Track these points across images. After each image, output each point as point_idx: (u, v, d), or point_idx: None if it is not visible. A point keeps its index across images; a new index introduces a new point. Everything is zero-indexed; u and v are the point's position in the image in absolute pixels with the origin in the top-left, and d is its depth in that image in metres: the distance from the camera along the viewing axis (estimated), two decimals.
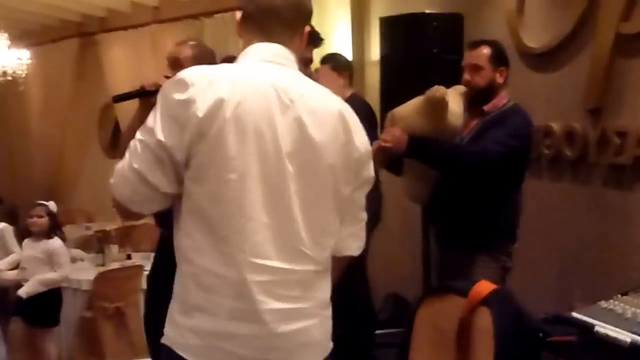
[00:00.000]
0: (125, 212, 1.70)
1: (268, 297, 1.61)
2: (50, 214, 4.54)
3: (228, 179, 1.57)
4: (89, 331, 4.77)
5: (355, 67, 4.65)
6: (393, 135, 2.96)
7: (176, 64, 3.06)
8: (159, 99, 1.63)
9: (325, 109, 1.69)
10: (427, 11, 4.09)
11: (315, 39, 3.40)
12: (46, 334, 4.48)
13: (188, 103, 1.56)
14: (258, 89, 1.62)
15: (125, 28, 7.42)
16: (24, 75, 6.98)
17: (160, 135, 1.57)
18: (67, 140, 8.62)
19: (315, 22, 2.32)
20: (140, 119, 3.12)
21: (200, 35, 6.21)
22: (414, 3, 4.50)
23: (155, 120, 1.60)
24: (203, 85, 1.58)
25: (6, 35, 6.57)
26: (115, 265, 4.96)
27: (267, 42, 1.72)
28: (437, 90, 2.92)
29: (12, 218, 8.80)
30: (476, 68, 3.00)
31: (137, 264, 4.88)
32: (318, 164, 1.66)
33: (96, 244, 5.34)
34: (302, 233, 1.65)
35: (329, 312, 1.77)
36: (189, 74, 1.62)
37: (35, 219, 4.47)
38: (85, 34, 8.19)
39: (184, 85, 1.59)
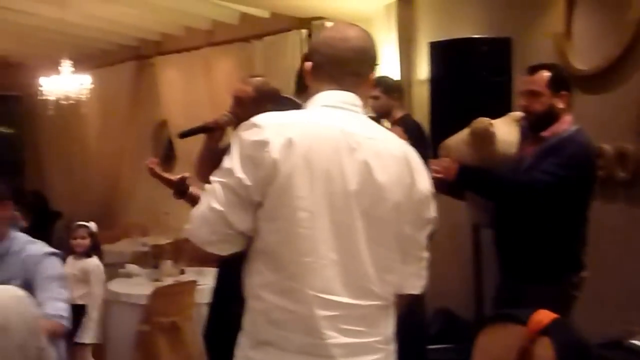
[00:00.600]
0: (203, 255, 1.81)
1: (335, 332, 1.66)
2: (91, 234, 4.74)
3: (299, 217, 1.64)
4: (146, 345, 4.85)
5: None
6: (443, 165, 2.97)
7: (239, 102, 3.24)
8: (234, 142, 1.71)
9: (390, 152, 1.75)
10: (475, 36, 4.10)
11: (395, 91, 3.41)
12: (80, 350, 4.56)
13: (262, 144, 1.64)
14: (326, 132, 1.70)
15: (179, 51, 7.59)
16: (85, 99, 7.19)
17: (239, 174, 1.64)
18: (123, 159, 8.83)
19: None
20: (207, 150, 3.35)
21: (251, 57, 6.34)
22: (461, 27, 4.53)
23: (232, 161, 1.67)
24: (275, 128, 1.67)
25: (70, 62, 6.77)
26: (169, 280, 5.04)
27: (336, 90, 1.78)
28: (481, 122, 2.93)
29: (70, 232, 9.06)
30: (534, 94, 2.91)
31: (190, 279, 4.96)
32: (383, 205, 1.71)
33: (151, 259, 5.44)
34: (368, 270, 1.70)
35: (393, 347, 1.81)
36: (262, 118, 1.70)
37: (78, 241, 4.67)
38: (142, 57, 8.42)
39: (258, 128, 1.67)
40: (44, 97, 7.17)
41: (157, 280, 5.14)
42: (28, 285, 2.71)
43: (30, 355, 2.08)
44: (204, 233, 1.70)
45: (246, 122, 1.73)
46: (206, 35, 7.20)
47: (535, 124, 2.95)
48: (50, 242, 4.54)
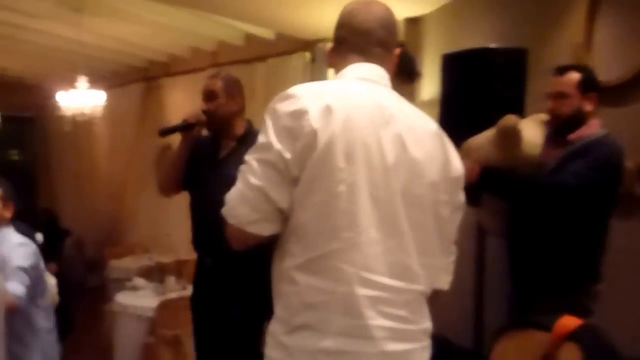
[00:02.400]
0: (242, 237, 1.61)
1: (376, 313, 1.54)
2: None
3: (338, 190, 1.52)
4: (150, 356, 4.85)
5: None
6: (464, 166, 2.85)
7: (212, 96, 3.16)
8: (267, 117, 1.58)
9: (424, 127, 1.66)
10: (491, 46, 3.96)
11: (411, 73, 3.14)
12: None
13: (300, 113, 1.53)
14: (362, 102, 1.58)
15: (185, 72, 7.64)
16: (98, 115, 7.24)
17: (277, 146, 1.52)
18: (129, 179, 8.86)
19: None
20: (181, 152, 3.20)
21: (253, 78, 6.36)
22: (472, 40, 4.33)
23: (267, 135, 1.55)
24: (312, 97, 1.55)
25: (86, 78, 6.84)
26: (173, 295, 5.04)
27: (364, 62, 1.69)
28: (509, 119, 2.77)
29: (79, 249, 9.08)
30: (562, 96, 2.77)
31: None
32: (419, 182, 1.60)
33: (157, 274, 5.44)
34: (410, 251, 1.59)
35: (429, 342, 1.69)
36: (297, 88, 1.59)
37: None
38: (150, 78, 8.49)
39: (293, 97, 1.56)
40: (61, 113, 7.21)
41: (161, 294, 5.16)
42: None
43: None
44: (244, 212, 1.56)
45: (280, 94, 1.60)
46: (211, 56, 7.26)
47: (561, 127, 2.80)
48: (60, 259, 4.54)
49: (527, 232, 2.85)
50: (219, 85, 3.16)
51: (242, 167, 1.59)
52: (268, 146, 1.54)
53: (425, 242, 1.62)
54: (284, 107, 1.55)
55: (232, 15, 5.72)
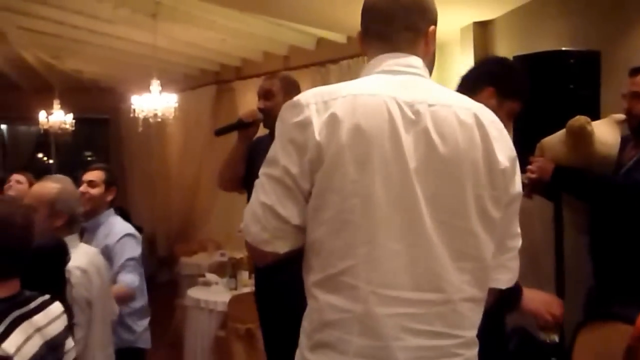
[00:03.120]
0: (259, 255, 1.53)
1: (402, 332, 1.41)
2: None
3: (349, 204, 1.41)
4: (222, 350, 5.00)
5: None
6: (538, 165, 2.83)
7: (269, 95, 3.24)
8: (277, 126, 1.50)
9: (458, 119, 1.47)
10: (563, 48, 3.95)
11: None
12: None
13: (304, 125, 1.43)
14: (377, 104, 1.44)
15: (258, 75, 7.78)
16: (171, 117, 7.48)
17: (283, 161, 1.44)
18: (202, 178, 9.10)
19: (438, 70, 2.35)
20: (237, 151, 3.28)
21: (326, 80, 6.46)
22: (543, 43, 4.33)
23: (275, 147, 1.47)
24: (319, 105, 1.44)
25: (159, 81, 7.07)
26: (246, 289, 5.18)
27: (389, 53, 1.55)
28: (577, 120, 2.75)
29: (151, 246, 9.38)
30: (637, 96, 2.76)
31: None
32: (452, 182, 1.45)
33: (230, 269, 5.59)
34: (440, 259, 1.44)
35: (473, 353, 1.51)
36: (305, 95, 1.48)
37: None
38: (222, 81, 8.70)
39: (299, 107, 1.46)
40: (134, 115, 7.48)
41: (234, 289, 5.30)
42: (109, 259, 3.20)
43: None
44: (256, 231, 1.48)
45: (288, 102, 1.51)
46: (283, 60, 7.40)
47: (638, 127, 2.79)
48: None
49: (608, 230, 2.84)
50: (276, 84, 3.25)
51: (256, 183, 1.50)
52: (275, 161, 1.46)
53: (463, 245, 1.46)
54: (290, 117, 1.46)
55: (303, 21, 5.85)
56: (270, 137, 3.31)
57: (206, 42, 7.36)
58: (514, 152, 1.53)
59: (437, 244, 1.43)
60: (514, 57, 4.12)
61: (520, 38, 4.84)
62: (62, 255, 2.32)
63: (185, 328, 5.42)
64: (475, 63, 2.97)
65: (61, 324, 2.04)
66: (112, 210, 3.57)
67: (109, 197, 3.56)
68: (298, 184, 1.43)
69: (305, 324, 1.51)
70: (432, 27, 1.58)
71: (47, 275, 2.19)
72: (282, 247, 1.49)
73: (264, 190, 1.46)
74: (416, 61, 1.55)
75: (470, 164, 1.45)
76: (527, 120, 3.89)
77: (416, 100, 1.46)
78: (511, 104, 2.40)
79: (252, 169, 3.26)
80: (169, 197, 9.79)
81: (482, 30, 5.10)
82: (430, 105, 1.46)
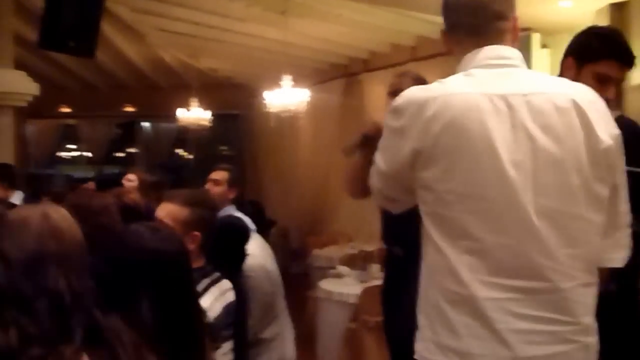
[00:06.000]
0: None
1: (508, 316, 1.46)
2: None
3: (447, 201, 1.48)
4: (353, 342, 5.06)
5: None
6: None
7: (399, 93, 3.24)
8: (383, 129, 1.63)
9: (554, 104, 1.48)
10: None
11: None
12: None
13: (402, 131, 1.53)
14: (471, 102, 1.47)
15: (385, 67, 7.81)
16: (302, 111, 7.65)
17: (382, 165, 1.61)
18: (332, 171, 9.24)
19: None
20: (362, 166, 3.32)
21: (453, 70, 6.32)
22: None
23: (379, 148, 1.64)
24: (414, 110, 1.52)
25: (290, 76, 7.25)
26: (376, 282, 5.21)
27: (480, 48, 1.56)
28: None
29: (283, 238, 9.64)
30: None
31: None
32: (555, 169, 1.47)
33: (360, 262, 5.64)
34: (546, 246, 1.46)
35: (591, 339, 1.52)
36: (401, 101, 1.57)
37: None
38: (350, 74, 8.79)
39: (397, 113, 1.56)
40: (266, 110, 7.72)
41: (364, 281, 5.34)
42: None
43: None
44: (376, 196, 1.72)
45: (391, 106, 1.59)
46: (410, 51, 7.37)
47: None
48: None
49: None
50: (406, 83, 3.23)
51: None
52: (378, 159, 1.64)
53: (573, 231, 1.48)
54: (390, 121, 1.58)
55: (431, 10, 5.78)
56: None
57: (334, 35, 7.46)
58: (616, 129, 1.54)
59: (543, 233, 1.45)
60: None
61: None
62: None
63: (318, 319, 5.53)
64: None
65: (232, 295, 2.38)
66: (233, 207, 3.73)
67: (231, 195, 3.73)
68: (398, 181, 1.60)
69: (423, 304, 1.59)
70: (515, 16, 1.60)
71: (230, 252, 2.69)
72: (396, 209, 1.74)
73: (373, 175, 1.67)
74: (509, 51, 1.57)
75: (572, 149, 1.47)
76: None
77: (510, 92, 1.48)
78: (594, 67, 2.21)
79: None
80: (300, 191, 10.01)
81: (620, 11, 4.90)
82: (524, 95, 1.48)
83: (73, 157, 16.30)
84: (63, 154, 16.28)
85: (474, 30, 1.57)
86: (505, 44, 1.57)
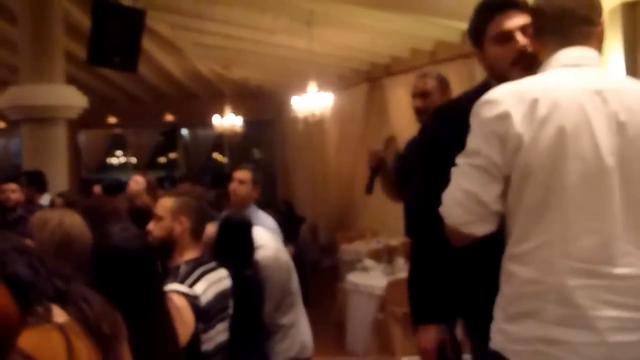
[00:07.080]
0: (458, 236, 1.58)
1: (597, 302, 1.43)
2: None
3: (548, 186, 1.46)
4: (381, 332, 4.97)
5: None
6: None
7: (425, 95, 3.12)
8: (473, 122, 1.55)
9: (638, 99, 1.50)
10: None
11: None
12: None
13: (503, 117, 1.48)
14: (568, 93, 1.48)
15: (405, 71, 7.69)
16: (328, 115, 7.60)
17: (486, 151, 1.50)
18: (357, 170, 9.15)
19: None
20: (383, 183, 3.47)
21: (472, 72, 6.22)
22: None
23: (477, 140, 1.53)
24: (512, 98, 1.49)
25: (316, 82, 7.20)
26: (402, 274, 5.12)
27: (568, 47, 1.56)
28: None
29: (313, 234, 9.58)
30: None
31: None
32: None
33: (386, 255, 5.56)
34: (633, 235, 1.45)
35: None
36: (495, 92, 1.53)
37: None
38: (373, 79, 8.67)
39: (495, 103, 1.51)
40: (295, 115, 7.69)
41: (390, 274, 5.25)
42: None
43: None
44: (458, 214, 1.55)
45: (480, 100, 1.55)
46: (429, 55, 7.22)
47: None
48: (297, 243, 4.82)
49: None
50: (431, 83, 3.13)
51: (454, 170, 1.57)
52: (477, 151, 1.52)
53: None
54: (487, 112, 1.51)
55: (449, 15, 5.67)
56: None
57: (357, 43, 7.37)
58: None
59: (632, 221, 1.45)
60: None
61: None
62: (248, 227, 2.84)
63: (347, 310, 5.46)
64: None
65: (228, 282, 2.48)
66: (255, 207, 3.64)
67: (255, 195, 3.65)
68: (499, 171, 1.49)
69: (501, 299, 1.55)
70: (603, 19, 1.61)
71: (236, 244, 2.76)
72: (480, 230, 1.55)
73: (466, 177, 1.53)
74: (592, 52, 1.57)
75: None
76: None
77: (601, 87, 1.49)
78: (488, 36, 1.81)
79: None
80: (328, 190, 9.94)
81: (632, 11, 4.68)
82: (614, 90, 1.49)
83: (120, 163, 16.51)
84: (111, 161, 16.49)
85: (560, 34, 1.57)
86: (590, 46, 1.57)
